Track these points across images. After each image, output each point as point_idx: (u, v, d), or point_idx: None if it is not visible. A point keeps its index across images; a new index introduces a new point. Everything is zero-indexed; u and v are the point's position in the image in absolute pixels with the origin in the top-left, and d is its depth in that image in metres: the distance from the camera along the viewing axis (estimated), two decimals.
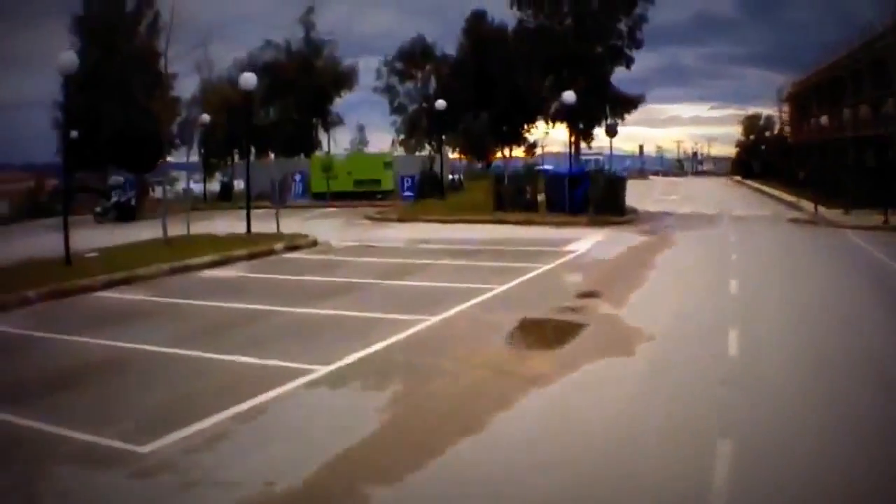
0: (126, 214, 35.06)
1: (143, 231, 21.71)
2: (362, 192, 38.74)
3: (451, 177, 48.56)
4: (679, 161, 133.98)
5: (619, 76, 39.03)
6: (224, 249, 18.78)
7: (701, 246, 21.09)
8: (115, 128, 33.82)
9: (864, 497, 5.43)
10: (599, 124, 37.81)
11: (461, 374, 8.42)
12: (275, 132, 59.67)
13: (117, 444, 6.34)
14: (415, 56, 71.64)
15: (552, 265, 16.39)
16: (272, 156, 57.80)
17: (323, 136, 67.87)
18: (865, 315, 11.62)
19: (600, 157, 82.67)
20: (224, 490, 5.49)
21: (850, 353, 9.31)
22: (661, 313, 11.64)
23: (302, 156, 60.82)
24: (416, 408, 7.42)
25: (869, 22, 41.66)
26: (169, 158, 54.03)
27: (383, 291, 13.72)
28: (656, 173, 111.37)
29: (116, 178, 43.68)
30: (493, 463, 5.98)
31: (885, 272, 16.79)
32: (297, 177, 41.13)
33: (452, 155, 66.64)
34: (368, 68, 78.51)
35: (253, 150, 59.58)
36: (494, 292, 13.15)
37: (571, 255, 18.21)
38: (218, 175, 56.68)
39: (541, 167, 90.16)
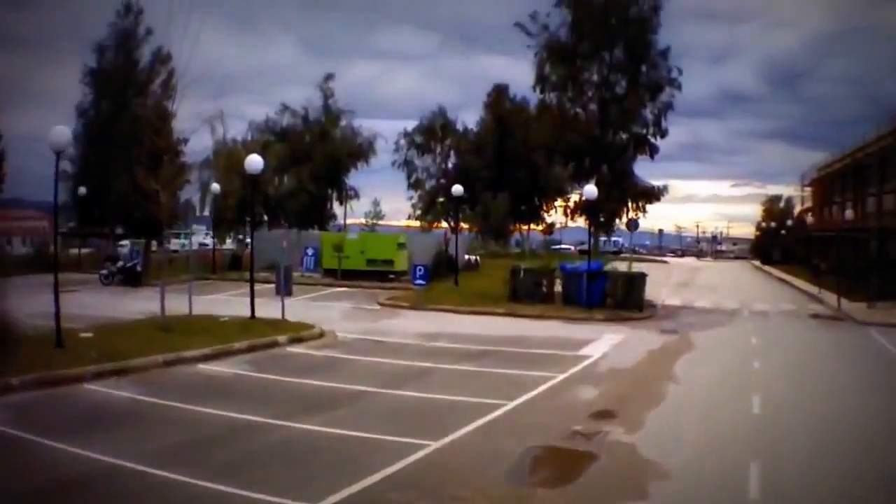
0: (131, 279, 34.81)
1: (146, 302, 21.05)
2: (374, 272, 38.01)
3: (466, 257, 47.73)
4: (698, 241, 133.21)
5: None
6: (223, 339, 18.01)
7: (722, 351, 20.15)
8: (122, 192, 33.51)
9: None
10: (620, 218, 37.05)
11: None
12: (289, 201, 59.40)
13: None
14: (434, 129, 71.76)
15: (565, 375, 15.47)
16: (285, 227, 57.28)
17: (339, 208, 68.03)
18: None
19: (619, 239, 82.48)
20: None
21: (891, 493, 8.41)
22: (678, 441, 10.82)
23: (316, 227, 60.58)
24: None
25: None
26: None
27: (384, 404, 12.84)
28: (674, 252, 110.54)
29: (124, 245, 43.60)
30: None
31: None
32: (310, 251, 40.55)
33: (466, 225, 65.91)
34: (387, 131, 78.68)
35: (266, 217, 59.68)
36: (501, 411, 12.23)
37: (586, 362, 17.28)
38: (228, 241, 56.37)
39: (559, 246, 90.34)
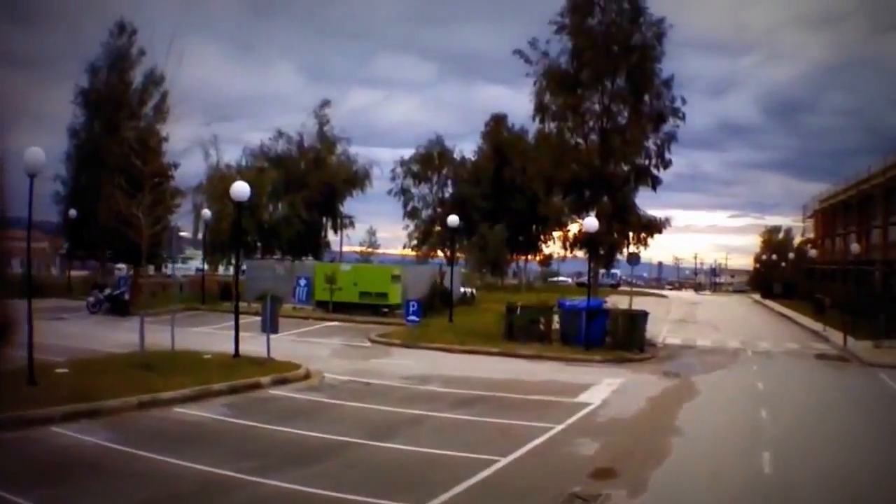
0: (119, 308, 33.93)
1: (131, 333, 20.25)
2: (368, 305, 37.11)
3: (462, 290, 46.88)
4: (695, 273, 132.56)
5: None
6: (203, 379, 17.07)
7: (727, 398, 19.20)
8: (111, 218, 32.76)
9: None
10: (621, 251, 36.14)
11: None
12: (283, 228, 58.55)
13: None
14: (431, 158, 71.16)
15: (563, 426, 14.50)
16: (279, 256, 56.44)
17: (334, 236, 67.10)
18: None
19: (616, 272, 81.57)
20: None
21: None
22: None
23: (310, 256, 59.64)
24: None
25: None
26: (184, 234, 53.63)
27: (367, 459, 11.85)
28: (671, 284, 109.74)
29: (121, 269, 42.82)
30: None
31: None
32: (302, 281, 39.67)
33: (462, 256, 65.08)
34: (385, 159, 78.25)
35: (259, 245, 58.75)
36: (493, 469, 11.27)
37: (585, 411, 16.30)
38: (221, 268, 55.50)
39: (556, 279, 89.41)
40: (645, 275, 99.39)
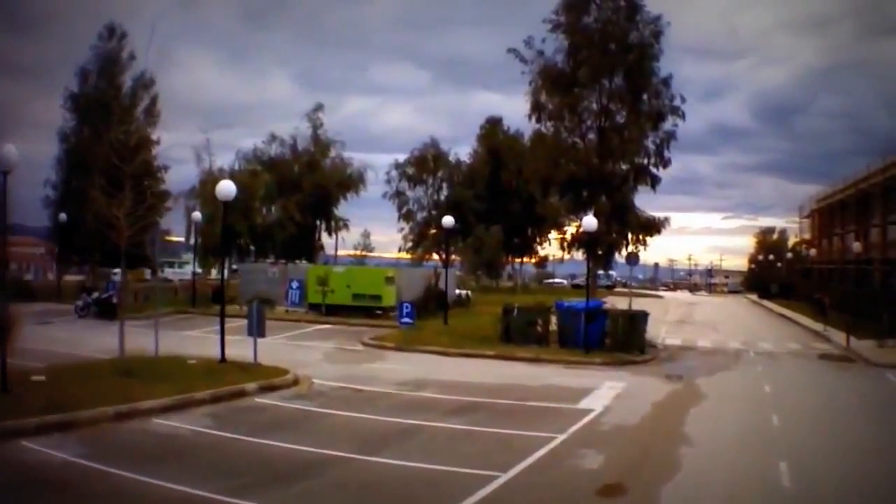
0: (106, 311, 33.16)
1: (117, 337, 19.31)
2: (361, 307, 36.31)
3: (457, 292, 46.14)
4: (690, 274, 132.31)
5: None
6: (186, 386, 16.18)
7: (735, 402, 18.38)
8: (92, 220, 32.05)
9: None
10: (620, 252, 35.36)
11: None
12: (276, 231, 58.00)
13: None
14: (426, 160, 70.56)
15: (565, 435, 13.62)
16: (272, 259, 55.85)
17: (328, 238, 66.44)
18: None
19: (612, 273, 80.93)
20: None
21: None
22: None
23: (304, 259, 58.99)
24: None
25: None
26: (178, 238, 53.10)
27: (354, 477, 10.93)
28: (666, 286, 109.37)
29: (116, 273, 42.00)
30: None
31: None
32: (295, 284, 38.85)
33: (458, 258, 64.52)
34: (380, 165, 77.78)
35: (252, 248, 58.17)
36: (493, 486, 10.34)
37: (588, 418, 15.42)
38: (214, 272, 54.93)
39: (552, 280, 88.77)
40: (640, 276, 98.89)
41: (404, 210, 71.06)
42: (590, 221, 27.51)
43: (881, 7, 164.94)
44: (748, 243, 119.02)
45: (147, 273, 48.57)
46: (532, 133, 37.86)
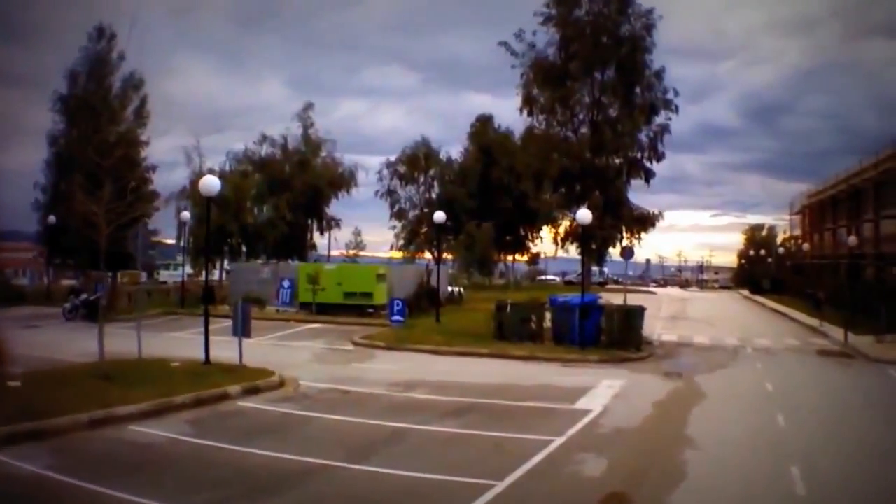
0: (95, 314, 32.36)
1: (105, 340, 18.57)
2: (353, 305, 35.64)
3: (449, 289, 45.51)
4: (679, 271, 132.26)
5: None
6: (166, 391, 15.44)
7: (737, 401, 17.75)
8: (72, 219, 31.41)
9: None
10: (614, 245, 34.89)
11: None
12: (268, 231, 57.43)
13: None
14: (418, 158, 70.06)
15: (563, 439, 12.95)
16: (264, 259, 55.28)
17: (320, 238, 65.85)
18: None
19: (605, 270, 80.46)
20: None
21: None
22: None
23: (296, 258, 58.32)
24: None
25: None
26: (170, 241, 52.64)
27: (338, 489, 10.21)
28: (656, 282, 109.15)
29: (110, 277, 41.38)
30: None
31: None
32: (286, 283, 38.16)
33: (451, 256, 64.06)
34: (373, 167, 77.26)
35: (244, 248, 57.54)
36: (486, 498, 9.61)
37: (586, 420, 14.74)
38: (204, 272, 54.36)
39: (544, 277, 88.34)
40: (631, 273, 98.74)
41: (396, 208, 70.53)
42: (584, 214, 26.90)
43: (866, 9, 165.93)
44: (736, 240, 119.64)
45: (142, 275, 48.18)
46: (525, 129, 37.44)
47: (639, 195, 36.01)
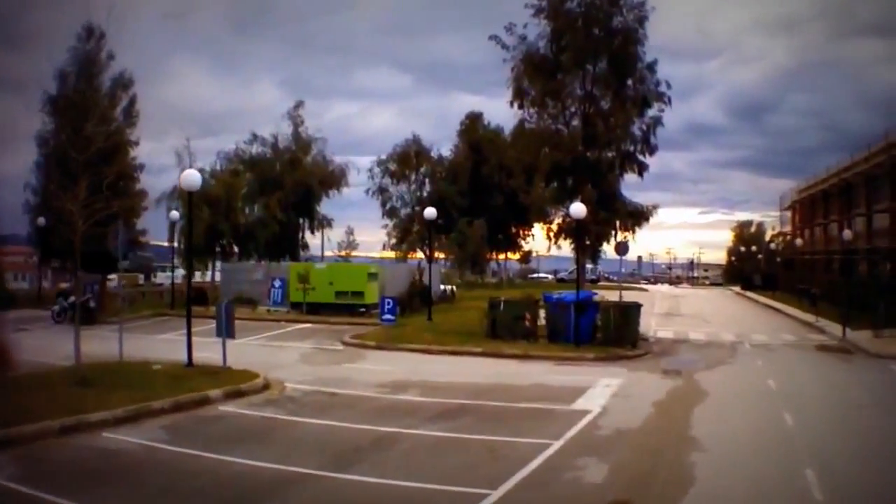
0: (84, 316, 31.60)
1: (93, 343, 18.19)
2: (344, 304, 34.98)
3: (442, 287, 44.88)
4: (669, 268, 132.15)
5: None
6: (144, 395, 14.70)
7: (741, 399, 17.14)
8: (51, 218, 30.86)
9: None
10: (608, 241, 34.24)
11: None
12: (259, 230, 56.90)
13: None
14: (409, 156, 69.42)
15: (562, 442, 12.25)
16: (255, 259, 54.72)
17: (312, 237, 65.20)
18: None
19: (598, 267, 79.82)
20: None
21: None
22: None
23: (288, 258, 57.64)
24: None
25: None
26: (158, 242, 52.02)
27: (321, 500, 9.54)
28: (647, 279, 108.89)
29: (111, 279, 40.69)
30: None
31: None
32: (277, 283, 37.49)
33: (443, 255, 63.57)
34: (364, 167, 76.52)
35: (236, 248, 56.94)
36: None
37: (585, 421, 14.02)
38: (198, 274, 53.91)
39: (536, 275, 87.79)
40: (623, 270, 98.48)
41: (388, 207, 69.87)
42: (578, 208, 26.19)
43: (850, 8, 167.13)
44: (725, 237, 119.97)
45: (140, 278, 47.78)
46: (516, 124, 36.79)
47: (629, 193, 35.36)
